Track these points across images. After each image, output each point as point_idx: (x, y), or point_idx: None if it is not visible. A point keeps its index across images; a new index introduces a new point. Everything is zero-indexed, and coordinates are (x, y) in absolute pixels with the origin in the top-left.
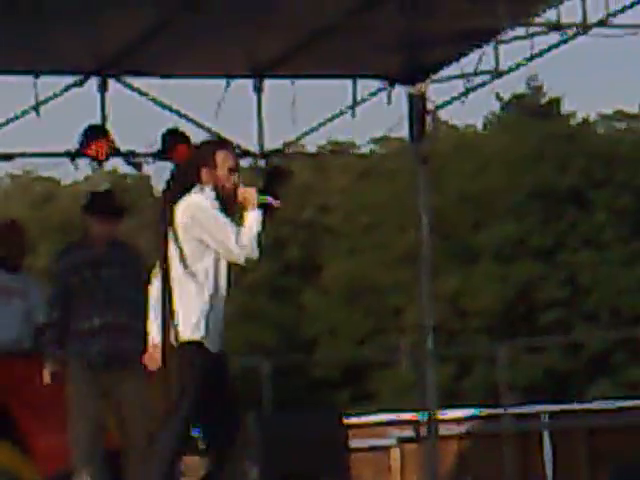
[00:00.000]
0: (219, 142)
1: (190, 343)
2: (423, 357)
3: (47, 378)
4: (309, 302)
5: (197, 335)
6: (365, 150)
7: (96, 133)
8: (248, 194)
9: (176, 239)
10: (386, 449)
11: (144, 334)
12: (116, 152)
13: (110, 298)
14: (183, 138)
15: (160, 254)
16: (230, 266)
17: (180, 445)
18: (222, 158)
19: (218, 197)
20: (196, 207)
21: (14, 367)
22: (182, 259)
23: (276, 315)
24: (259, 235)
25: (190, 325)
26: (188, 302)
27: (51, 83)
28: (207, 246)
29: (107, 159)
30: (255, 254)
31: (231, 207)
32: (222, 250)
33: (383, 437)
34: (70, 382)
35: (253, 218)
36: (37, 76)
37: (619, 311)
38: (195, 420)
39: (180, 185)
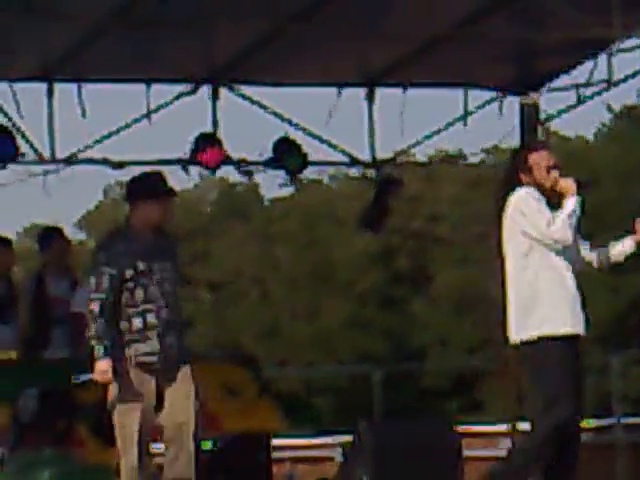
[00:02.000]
0: (532, 145)
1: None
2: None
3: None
4: (419, 311)
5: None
6: (475, 160)
7: (208, 141)
8: (565, 184)
9: (508, 237)
10: (497, 460)
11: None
12: (227, 160)
13: (163, 293)
14: (294, 146)
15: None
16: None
17: None
18: (535, 160)
19: (543, 196)
20: (520, 199)
21: None
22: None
23: (386, 324)
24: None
25: None
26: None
27: (163, 91)
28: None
29: (218, 167)
30: (566, 238)
31: (557, 204)
32: (539, 236)
33: (495, 447)
34: (122, 381)
35: (569, 205)
36: (149, 84)
37: None
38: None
39: (504, 191)
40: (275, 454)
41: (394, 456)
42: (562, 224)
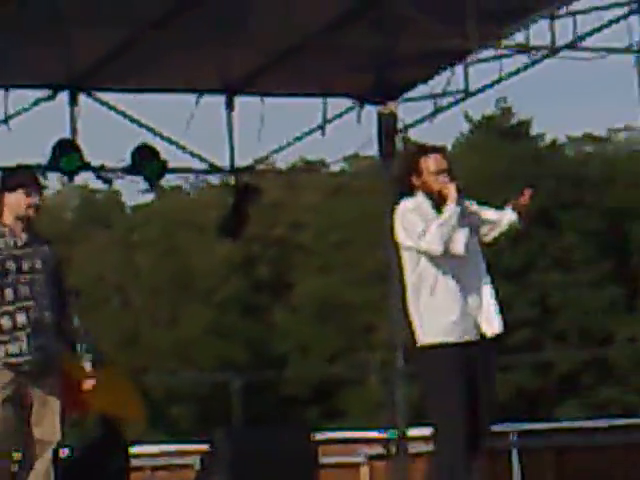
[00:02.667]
0: (423, 149)
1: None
2: (392, 375)
3: None
4: (279, 319)
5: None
6: (336, 168)
7: (66, 147)
8: (447, 190)
9: (401, 247)
10: (355, 466)
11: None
12: (86, 167)
13: (34, 293)
14: (153, 153)
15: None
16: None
17: None
18: (425, 164)
19: (432, 200)
20: (398, 214)
21: None
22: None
23: (247, 332)
24: (453, 229)
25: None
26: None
27: (22, 97)
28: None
29: (77, 173)
30: (435, 249)
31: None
32: (415, 247)
33: (352, 454)
34: None
35: (445, 213)
36: (7, 89)
37: (588, 332)
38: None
39: (399, 194)
40: (134, 462)
41: (251, 464)
42: (432, 235)
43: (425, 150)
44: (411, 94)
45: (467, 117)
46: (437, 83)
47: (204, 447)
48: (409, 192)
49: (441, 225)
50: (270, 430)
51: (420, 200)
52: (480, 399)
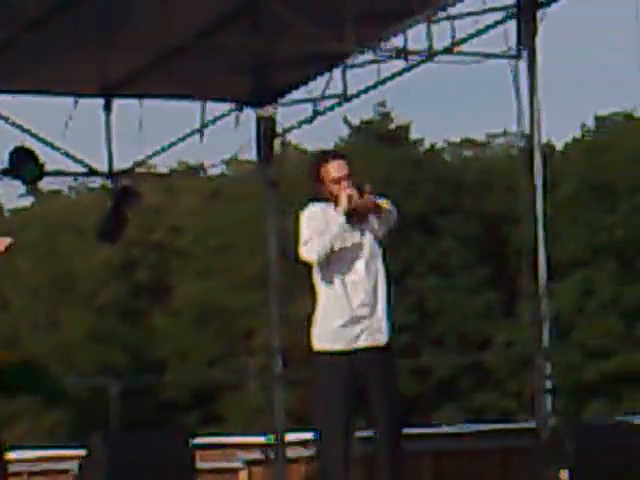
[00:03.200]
0: (323, 156)
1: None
2: (271, 380)
3: None
4: (159, 324)
5: None
6: (215, 172)
7: None
8: (340, 198)
9: None
10: (234, 471)
11: None
12: None
13: None
14: (31, 156)
15: None
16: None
17: None
18: (325, 172)
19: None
20: (298, 221)
21: None
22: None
23: (126, 337)
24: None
25: None
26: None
27: None
28: None
29: None
30: (313, 258)
31: (360, 217)
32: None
33: (231, 459)
34: None
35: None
36: None
37: (465, 336)
38: None
39: (308, 200)
40: (12, 467)
41: (127, 469)
42: (312, 244)
43: (325, 157)
44: (290, 97)
45: (346, 121)
46: (316, 87)
47: (82, 452)
48: (320, 199)
49: (322, 235)
50: (147, 435)
51: (324, 207)
52: (376, 406)
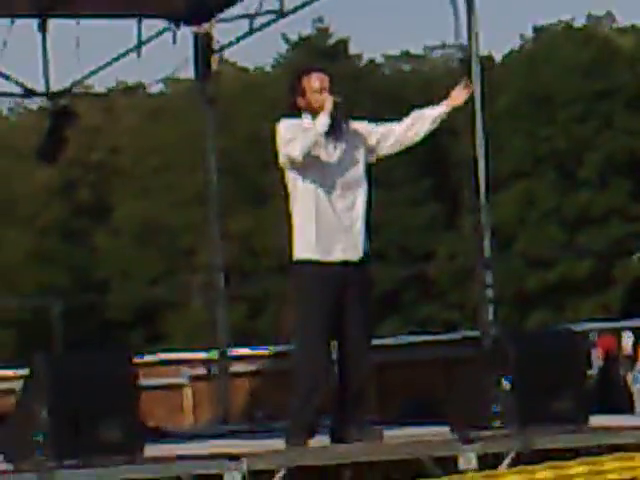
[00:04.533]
0: (302, 69)
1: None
2: (214, 297)
3: None
4: (101, 244)
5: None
6: (154, 91)
7: None
8: (323, 103)
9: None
10: (179, 387)
11: None
12: None
13: None
14: None
15: None
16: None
17: None
18: (307, 83)
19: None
20: (275, 134)
21: None
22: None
23: (68, 257)
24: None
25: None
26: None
27: None
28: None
29: None
30: (296, 155)
31: (337, 128)
32: (280, 159)
33: (175, 376)
34: None
35: (316, 123)
36: None
37: (408, 249)
38: None
39: (282, 115)
40: None
41: (70, 388)
42: (295, 141)
43: (307, 69)
44: (226, 14)
45: (284, 38)
46: (252, 2)
47: (25, 372)
48: (295, 114)
49: (305, 131)
50: (90, 354)
51: (304, 120)
52: (350, 319)
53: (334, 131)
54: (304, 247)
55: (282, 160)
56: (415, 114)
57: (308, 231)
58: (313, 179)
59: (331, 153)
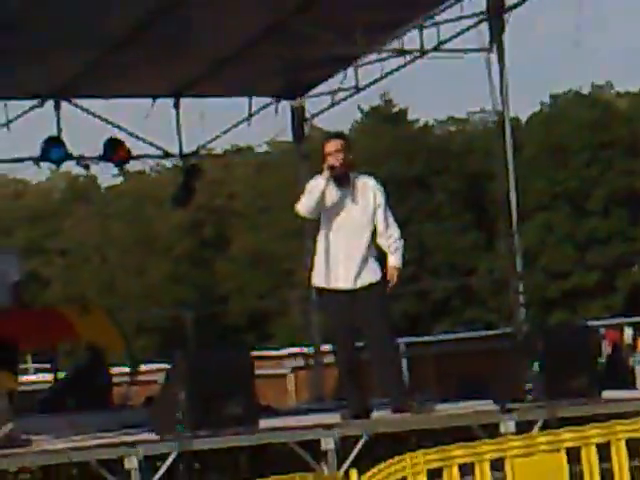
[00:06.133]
0: (326, 136)
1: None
2: (309, 306)
3: None
4: (221, 268)
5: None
6: (260, 150)
7: (54, 142)
8: (326, 164)
9: None
10: (283, 376)
11: None
12: (69, 157)
13: None
14: (121, 144)
15: None
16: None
17: None
18: (324, 148)
19: (332, 176)
20: None
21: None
22: None
23: (196, 278)
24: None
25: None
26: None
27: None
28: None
29: (62, 162)
30: (302, 212)
31: (342, 181)
32: None
33: (281, 367)
34: None
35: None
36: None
37: (456, 267)
38: None
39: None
40: (115, 379)
41: (202, 375)
42: (301, 201)
43: (327, 138)
44: (315, 91)
45: (359, 108)
46: (334, 82)
47: (167, 366)
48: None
49: (308, 193)
50: (216, 351)
51: (324, 176)
52: (363, 324)
53: (340, 185)
54: (315, 275)
55: (296, 211)
56: (387, 243)
57: (317, 262)
58: (322, 220)
59: (336, 201)
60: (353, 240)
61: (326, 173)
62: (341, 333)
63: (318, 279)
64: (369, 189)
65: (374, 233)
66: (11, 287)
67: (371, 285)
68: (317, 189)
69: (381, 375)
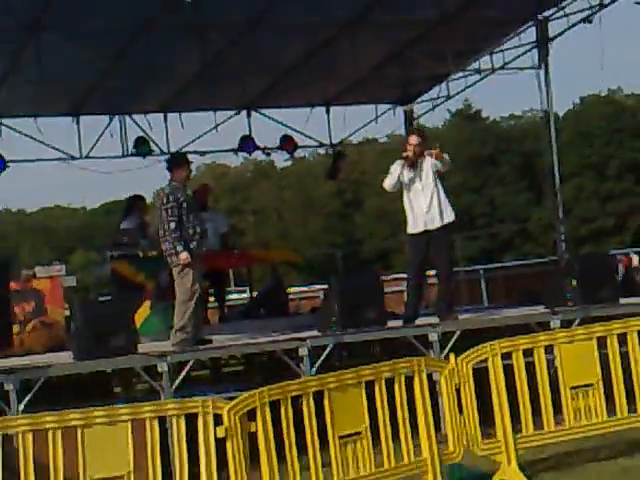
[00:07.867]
0: (408, 132)
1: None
2: None
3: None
4: (358, 220)
5: None
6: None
7: (248, 140)
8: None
9: None
10: (401, 292)
11: None
12: (257, 148)
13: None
14: (291, 139)
15: None
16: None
17: None
18: (406, 140)
19: (406, 163)
20: None
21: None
22: None
23: (342, 227)
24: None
25: None
26: None
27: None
28: None
29: (253, 151)
30: (385, 186)
31: (413, 165)
32: None
33: (400, 286)
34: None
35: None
36: (215, 111)
37: (515, 215)
38: None
39: None
40: (290, 297)
41: (349, 292)
42: (385, 179)
43: (410, 131)
44: (421, 99)
45: (449, 110)
46: (434, 92)
47: (324, 287)
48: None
49: (390, 174)
50: (357, 275)
51: (397, 164)
52: (438, 262)
53: (411, 167)
54: (408, 225)
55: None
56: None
57: (407, 216)
58: (403, 188)
59: (408, 180)
60: (426, 195)
61: (400, 161)
62: (416, 262)
63: (408, 227)
64: (428, 162)
65: (439, 195)
66: (221, 236)
67: (439, 228)
68: (395, 172)
69: (440, 290)
